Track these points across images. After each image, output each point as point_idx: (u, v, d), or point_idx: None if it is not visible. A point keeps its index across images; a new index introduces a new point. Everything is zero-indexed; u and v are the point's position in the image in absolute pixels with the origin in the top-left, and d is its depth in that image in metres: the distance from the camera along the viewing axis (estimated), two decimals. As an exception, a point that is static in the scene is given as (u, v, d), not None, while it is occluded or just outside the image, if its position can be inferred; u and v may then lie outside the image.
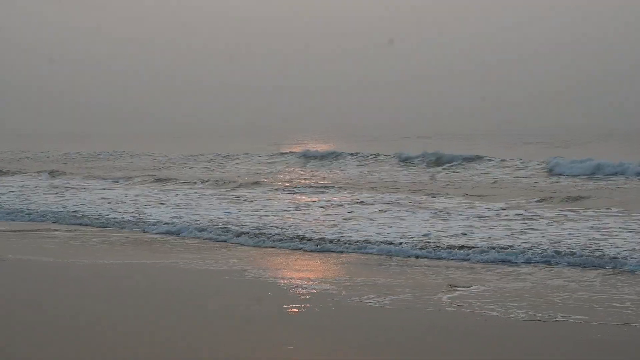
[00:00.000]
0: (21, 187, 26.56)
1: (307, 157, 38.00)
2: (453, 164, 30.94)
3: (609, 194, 20.63)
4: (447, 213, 16.70)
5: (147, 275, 10.96)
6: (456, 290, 9.53)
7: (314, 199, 20.75)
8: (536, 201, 18.64)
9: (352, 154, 37.03)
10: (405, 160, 33.16)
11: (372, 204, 18.88)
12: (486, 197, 19.90)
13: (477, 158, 31.21)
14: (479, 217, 15.96)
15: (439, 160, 31.72)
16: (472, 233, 13.85)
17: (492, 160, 30.72)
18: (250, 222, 16.04)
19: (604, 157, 28.42)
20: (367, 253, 12.40)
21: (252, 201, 20.34)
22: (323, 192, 22.44)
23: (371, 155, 36.16)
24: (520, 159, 30.41)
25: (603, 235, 13.22)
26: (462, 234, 13.80)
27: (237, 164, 38.20)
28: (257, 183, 25.86)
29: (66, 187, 26.05)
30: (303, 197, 21.53)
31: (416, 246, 12.66)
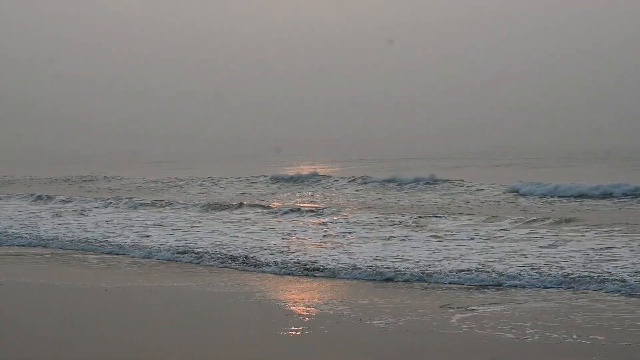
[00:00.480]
0: (21, 212, 26.52)
1: (283, 179, 38.30)
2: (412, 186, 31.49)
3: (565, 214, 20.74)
4: (444, 234, 16.82)
5: (162, 296, 11.11)
6: (471, 311, 9.55)
7: (312, 221, 20.82)
8: (510, 222, 18.76)
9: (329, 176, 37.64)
10: (366, 184, 33.79)
11: (372, 226, 18.98)
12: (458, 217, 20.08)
13: (434, 182, 31.73)
14: (474, 237, 16.12)
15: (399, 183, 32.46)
16: (473, 254, 13.94)
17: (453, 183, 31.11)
18: (253, 246, 16.05)
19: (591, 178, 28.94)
20: (372, 276, 12.26)
21: (253, 225, 20.41)
22: (320, 214, 22.53)
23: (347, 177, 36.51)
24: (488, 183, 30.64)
25: (609, 256, 13.33)
26: (460, 255, 13.89)
27: (229, 183, 38.45)
28: (254, 206, 25.85)
29: (68, 212, 26.06)
30: (301, 219, 21.57)
31: (422, 269, 12.68)
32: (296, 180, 37.91)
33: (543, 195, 25.97)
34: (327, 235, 17.60)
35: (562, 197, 25.42)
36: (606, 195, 24.88)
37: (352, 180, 35.22)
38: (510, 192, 27.48)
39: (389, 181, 33.27)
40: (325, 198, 30.22)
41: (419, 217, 20.74)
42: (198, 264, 14.22)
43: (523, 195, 26.52)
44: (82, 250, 16.56)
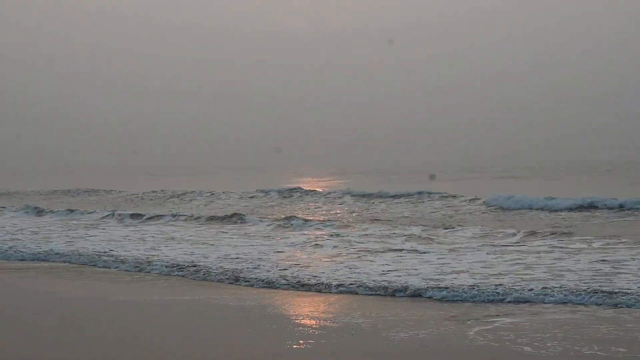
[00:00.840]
0: (30, 225, 26.53)
1: (283, 192, 38.67)
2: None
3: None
4: (453, 247, 16.88)
5: (177, 309, 11.15)
6: (491, 322, 9.56)
7: (317, 233, 20.88)
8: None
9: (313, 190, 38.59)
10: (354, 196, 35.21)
11: (378, 239, 19.05)
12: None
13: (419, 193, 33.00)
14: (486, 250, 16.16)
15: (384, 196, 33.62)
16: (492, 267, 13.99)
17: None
18: (261, 258, 16.11)
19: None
20: (381, 291, 12.10)
21: (261, 238, 20.44)
22: (324, 226, 22.61)
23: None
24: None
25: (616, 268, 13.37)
26: (469, 269, 13.91)
27: (230, 195, 38.76)
28: (261, 218, 25.91)
29: (79, 226, 26.06)
30: (306, 232, 21.61)
31: (433, 282, 12.69)
32: (293, 192, 38.36)
33: (526, 208, 26.33)
34: (334, 247, 17.68)
35: (553, 210, 25.68)
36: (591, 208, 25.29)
37: (347, 194, 35.81)
38: (492, 205, 28.08)
39: (374, 195, 34.05)
40: (329, 211, 30.39)
41: (422, 229, 20.91)
42: (213, 280, 14.07)
43: (507, 209, 26.96)
44: (104, 267, 16.19)
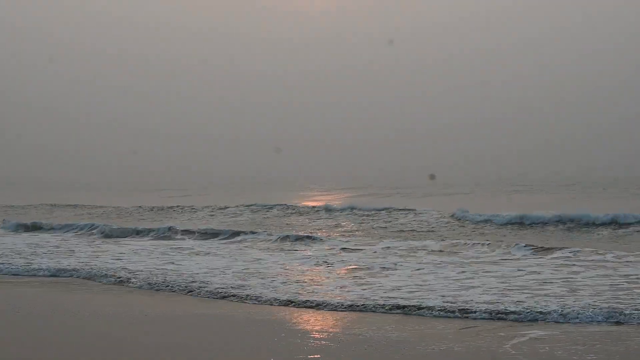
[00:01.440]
0: (49, 241, 26.46)
1: (283, 207, 38.91)
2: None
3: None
4: (468, 261, 17.06)
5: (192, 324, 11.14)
6: (525, 335, 9.65)
7: (330, 249, 20.99)
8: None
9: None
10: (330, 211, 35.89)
11: (386, 253, 19.20)
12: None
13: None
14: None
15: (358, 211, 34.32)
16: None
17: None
18: (283, 276, 16.07)
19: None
20: (407, 308, 11.93)
21: (278, 254, 20.45)
22: (334, 242, 22.75)
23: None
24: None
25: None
26: (483, 284, 14.06)
27: (231, 210, 38.94)
28: (269, 233, 25.99)
29: (97, 241, 26.13)
30: (317, 248, 21.73)
31: (451, 299, 12.83)
32: (295, 207, 38.87)
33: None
34: (344, 262, 17.81)
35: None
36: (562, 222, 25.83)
37: (353, 208, 35.87)
38: (454, 216, 29.08)
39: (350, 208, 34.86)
40: (336, 226, 30.51)
41: (436, 243, 21.12)
42: (226, 295, 14.03)
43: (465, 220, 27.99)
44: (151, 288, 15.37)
